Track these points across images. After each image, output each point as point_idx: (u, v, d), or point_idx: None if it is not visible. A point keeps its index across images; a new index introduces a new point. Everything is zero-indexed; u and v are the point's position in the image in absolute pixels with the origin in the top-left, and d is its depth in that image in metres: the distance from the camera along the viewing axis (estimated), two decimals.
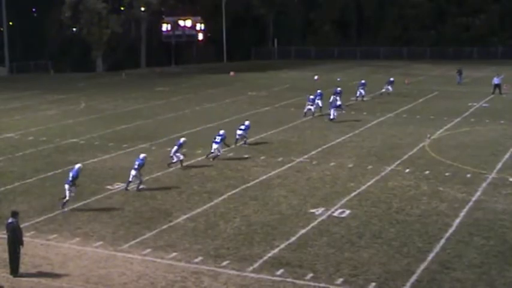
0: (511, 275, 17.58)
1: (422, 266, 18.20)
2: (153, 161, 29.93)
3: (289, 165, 29.55)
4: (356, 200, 24.35)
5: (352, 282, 17.21)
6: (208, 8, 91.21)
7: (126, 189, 25.60)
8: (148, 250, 19.50)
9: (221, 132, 31.17)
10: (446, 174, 27.80)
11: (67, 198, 23.27)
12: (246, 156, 31.55)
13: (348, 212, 22.93)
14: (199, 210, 23.32)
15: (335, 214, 22.77)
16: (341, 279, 17.34)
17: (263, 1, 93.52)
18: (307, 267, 18.14)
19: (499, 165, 29.27)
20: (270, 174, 28.17)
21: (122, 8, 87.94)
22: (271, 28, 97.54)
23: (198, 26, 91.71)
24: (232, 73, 74.07)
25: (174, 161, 29.28)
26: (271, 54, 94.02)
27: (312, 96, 43.17)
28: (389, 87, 50.74)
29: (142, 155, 26.28)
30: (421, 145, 33.48)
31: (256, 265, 18.31)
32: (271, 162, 30.11)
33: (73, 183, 23.46)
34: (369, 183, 26.46)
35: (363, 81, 51.12)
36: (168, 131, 38.01)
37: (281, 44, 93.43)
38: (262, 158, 31.10)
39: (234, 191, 25.56)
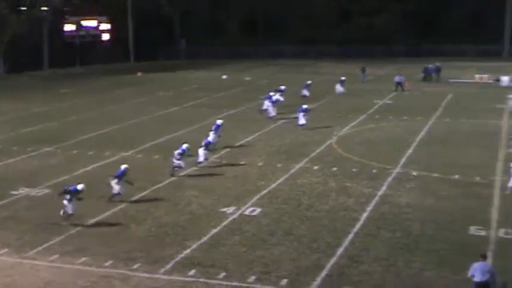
0: (417, 266, 18.18)
1: (332, 261, 18.56)
2: (57, 164, 29.23)
3: (201, 165, 29.48)
4: (266, 198, 24.57)
5: (264, 279, 17.36)
6: (114, 7, 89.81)
7: (111, 200, 24.13)
8: (56, 256, 19.04)
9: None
10: (353, 170, 28.44)
11: None
12: (157, 156, 31.28)
13: (258, 210, 23.10)
14: (109, 213, 22.96)
15: (246, 213, 22.90)
16: (253, 277, 17.46)
17: (170, 0, 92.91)
18: (219, 266, 18.17)
19: (403, 160, 30.17)
20: (180, 174, 28.03)
21: (23, 8, 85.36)
22: (178, 28, 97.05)
23: (103, 26, 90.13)
24: (139, 73, 73.28)
25: (175, 166, 28.11)
26: (179, 54, 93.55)
27: (272, 93, 43.45)
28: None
29: (123, 166, 24.76)
30: (328, 142, 34.12)
31: (168, 266, 18.20)
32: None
33: None
34: (278, 181, 26.75)
35: (308, 82, 51.32)
36: (73, 134, 37.21)
37: (189, 44, 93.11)
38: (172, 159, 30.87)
39: (144, 193, 25.30)
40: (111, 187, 24.04)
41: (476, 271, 15.40)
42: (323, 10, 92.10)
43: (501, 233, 20.77)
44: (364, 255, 19.00)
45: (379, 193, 25.14)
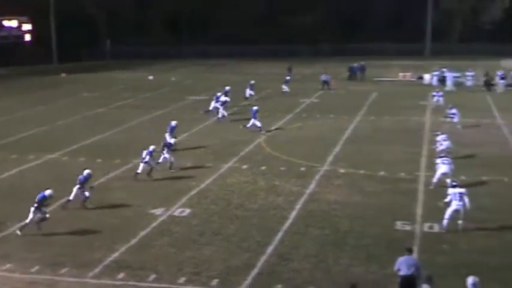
0: (345, 262, 18.45)
1: (262, 259, 18.65)
2: None
3: (128, 167, 29.14)
4: (196, 199, 24.48)
5: (194, 280, 17.29)
6: (37, 7, 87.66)
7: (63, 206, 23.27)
8: None
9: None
10: (282, 169, 28.64)
11: None
12: (82, 159, 30.73)
13: (188, 211, 23.00)
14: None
15: (175, 213, 22.76)
16: (184, 278, 17.37)
17: (94, 0, 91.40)
18: (149, 268, 17.99)
19: (330, 158, 30.58)
20: (108, 176, 27.63)
21: None
22: (103, 28, 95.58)
23: (25, 26, 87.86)
24: (63, 74, 71.88)
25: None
26: (104, 55, 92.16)
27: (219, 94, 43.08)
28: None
29: (86, 171, 23.91)
30: (257, 142, 34.26)
31: (96, 270, 17.90)
32: (109, 165, 29.53)
33: None
34: (207, 181, 26.68)
35: (252, 82, 51.05)
36: None
37: (114, 45, 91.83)
38: (98, 161, 30.41)
39: (71, 196, 24.78)
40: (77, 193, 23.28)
41: (402, 265, 15.72)
42: (248, 9, 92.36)
43: (426, 227, 21.29)
44: (294, 252, 19.16)
45: (308, 191, 25.40)
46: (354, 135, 36.12)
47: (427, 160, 29.89)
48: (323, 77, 55.80)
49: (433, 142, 32.02)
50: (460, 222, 20.55)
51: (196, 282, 17.16)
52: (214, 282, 17.19)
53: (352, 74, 63.43)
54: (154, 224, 21.65)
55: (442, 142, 29.87)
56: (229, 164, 29.59)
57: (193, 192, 25.23)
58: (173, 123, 33.27)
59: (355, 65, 64.56)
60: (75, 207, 23.25)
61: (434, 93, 45.36)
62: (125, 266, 18.14)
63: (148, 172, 27.15)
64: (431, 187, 25.32)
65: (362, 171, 28.11)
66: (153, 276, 17.49)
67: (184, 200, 24.28)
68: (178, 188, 25.78)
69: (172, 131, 32.62)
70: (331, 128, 38.18)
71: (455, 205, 20.57)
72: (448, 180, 24.13)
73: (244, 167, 29.07)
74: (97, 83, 63.85)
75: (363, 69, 63.97)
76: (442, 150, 28.74)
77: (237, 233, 20.79)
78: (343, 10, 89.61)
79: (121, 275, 17.55)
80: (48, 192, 21.18)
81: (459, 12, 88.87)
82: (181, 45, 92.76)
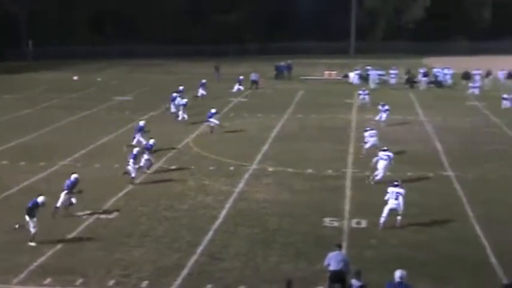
0: (274, 260, 18.58)
1: (193, 259, 18.59)
2: None
3: (53, 169, 28.56)
4: (123, 200, 24.19)
5: (124, 282, 17.09)
6: None
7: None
8: None
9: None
10: (211, 168, 28.60)
11: None
12: (4, 162, 29.93)
13: (116, 213, 22.69)
14: None
15: (103, 216, 22.42)
16: (112, 281, 17.14)
17: (14, 0, 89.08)
18: (76, 272, 17.67)
19: (259, 157, 30.72)
20: (32, 179, 26.99)
21: None
22: (25, 28, 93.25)
23: None
24: None
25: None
26: (27, 55, 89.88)
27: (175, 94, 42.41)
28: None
29: (74, 176, 22.99)
30: (185, 141, 34.10)
31: (21, 276, 17.46)
32: (34, 168, 28.84)
33: None
34: (136, 182, 26.38)
35: (203, 81, 50.58)
36: None
37: (37, 45, 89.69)
38: (22, 163, 29.68)
39: None
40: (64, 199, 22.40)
41: (332, 260, 15.95)
42: (174, 8, 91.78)
43: (353, 223, 21.65)
44: (224, 252, 19.17)
45: (237, 190, 25.45)
46: (281, 134, 36.40)
47: (354, 157, 30.43)
48: (252, 76, 55.98)
49: (360, 139, 32.59)
50: (398, 218, 20.93)
51: (125, 285, 16.97)
52: (144, 284, 17.03)
53: (279, 73, 63.86)
54: (82, 227, 21.28)
55: (369, 138, 30.42)
56: (159, 164, 29.34)
57: (121, 194, 24.91)
58: (141, 123, 33.02)
59: (282, 64, 65.02)
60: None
61: (361, 92, 46.13)
62: (52, 271, 17.76)
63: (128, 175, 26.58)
64: (372, 182, 25.73)
65: (290, 169, 28.35)
66: (80, 280, 17.18)
67: (111, 202, 23.95)
68: (105, 190, 25.39)
69: (141, 132, 32.29)
70: (259, 126, 38.34)
71: (391, 204, 20.95)
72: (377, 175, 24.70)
73: (173, 167, 28.89)
74: (20, 84, 62.15)
75: (289, 68, 64.48)
76: (370, 145, 29.33)
77: (166, 234, 20.65)
78: (268, 9, 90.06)
79: (47, 280, 17.18)
80: (40, 199, 20.25)
81: (382, 12, 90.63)
82: (107, 45, 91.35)
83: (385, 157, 25.94)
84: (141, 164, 27.37)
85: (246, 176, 27.50)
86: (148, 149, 28.25)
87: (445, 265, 18.24)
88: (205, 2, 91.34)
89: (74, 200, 22.56)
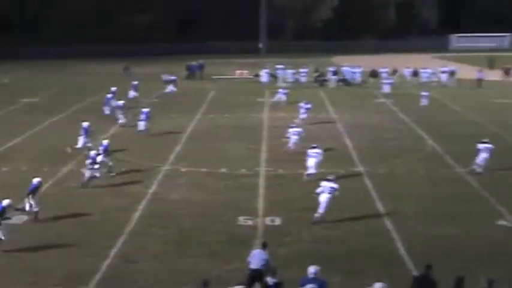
0: (190, 260, 18.51)
1: (106, 263, 18.28)
2: None
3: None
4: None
5: None
6: None
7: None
8: None
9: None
10: (124, 169, 28.18)
11: None
12: None
13: (25, 217, 22.01)
14: None
15: (12, 221, 21.70)
16: None
17: None
18: None
19: (172, 157, 30.53)
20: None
21: None
22: None
23: None
24: None
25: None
26: None
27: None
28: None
29: (36, 180, 22.13)
30: (99, 142, 33.42)
31: None
32: None
33: None
34: (46, 186, 25.66)
35: (135, 82, 49.57)
36: None
37: None
38: None
39: None
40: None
41: (253, 258, 16.09)
42: (84, 8, 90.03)
43: (267, 221, 21.81)
44: (138, 254, 18.95)
45: (150, 191, 25.20)
46: (194, 134, 36.29)
47: (267, 156, 30.66)
48: (164, 77, 55.46)
49: (273, 138, 32.88)
50: (319, 212, 21.35)
51: None
52: None
53: (191, 73, 63.63)
54: None
55: (291, 136, 30.70)
56: (68, 167, 28.70)
57: None
58: (85, 124, 32.01)
59: (194, 63, 64.81)
60: None
61: (280, 90, 46.28)
62: None
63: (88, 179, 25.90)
64: (305, 179, 26.01)
65: (204, 169, 28.29)
66: None
67: (20, 207, 23.20)
68: (11, 195, 24.54)
69: (86, 133, 31.43)
70: (172, 127, 38.05)
71: (324, 198, 21.33)
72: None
73: (83, 169, 28.28)
74: None
75: (201, 67, 64.36)
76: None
77: (78, 238, 20.22)
78: (178, 9, 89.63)
79: None
80: (6, 202, 19.55)
81: (292, 11, 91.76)
82: (14, 45, 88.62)
83: (315, 154, 26.35)
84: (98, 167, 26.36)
85: (160, 176, 27.26)
86: (105, 150, 27.58)
87: (357, 259, 18.62)
88: (115, 1, 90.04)
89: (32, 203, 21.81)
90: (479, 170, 27.39)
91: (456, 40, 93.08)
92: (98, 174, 25.84)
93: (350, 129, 36.80)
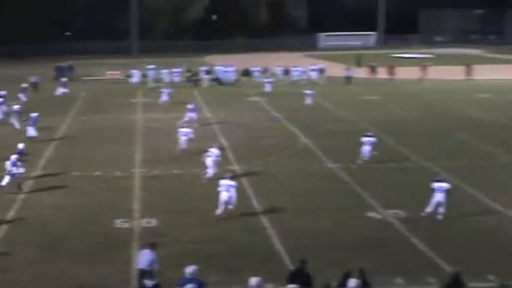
0: (65, 266, 18.00)
1: None
2: None
3: None
4: None
5: None
6: None
7: None
8: None
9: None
10: None
11: None
12: None
13: None
14: None
15: None
16: None
17: None
18: None
19: (43, 162, 29.59)
20: None
21: None
22: None
23: None
24: None
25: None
26: None
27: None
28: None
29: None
30: None
31: None
32: None
33: None
34: None
35: (24, 85, 47.21)
36: None
37: None
38: None
39: None
40: None
41: (140, 258, 16.09)
42: None
43: (144, 222, 21.57)
44: (10, 263, 18.19)
45: (20, 197, 24.26)
46: (66, 137, 35.29)
47: (142, 157, 30.31)
48: (33, 79, 53.57)
49: (147, 139, 32.50)
50: (229, 207, 21.64)
51: None
52: None
53: (60, 74, 61.77)
54: None
55: (182, 136, 30.55)
56: None
57: None
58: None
59: (63, 65, 63.05)
60: None
61: (163, 90, 45.72)
62: None
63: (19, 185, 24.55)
64: (205, 180, 25.90)
65: (77, 173, 27.58)
66: None
67: None
68: None
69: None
70: (41, 130, 36.72)
71: (224, 196, 21.52)
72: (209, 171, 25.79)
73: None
74: None
75: (70, 69, 62.72)
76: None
77: None
78: (46, 10, 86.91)
79: None
80: None
81: (163, 11, 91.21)
82: None
83: (211, 153, 26.43)
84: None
85: (30, 182, 26.29)
86: (20, 154, 26.26)
87: (235, 257, 18.77)
88: None
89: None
90: (360, 162, 28.68)
91: (324, 39, 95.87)
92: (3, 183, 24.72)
93: (225, 128, 37.05)
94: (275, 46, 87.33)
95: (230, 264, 18.18)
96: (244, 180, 26.49)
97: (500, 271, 17.37)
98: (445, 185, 21.79)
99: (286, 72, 59.37)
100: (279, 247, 19.55)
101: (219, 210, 21.67)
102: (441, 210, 21.68)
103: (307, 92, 45.83)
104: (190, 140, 30.61)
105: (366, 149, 28.75)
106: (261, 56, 77.29)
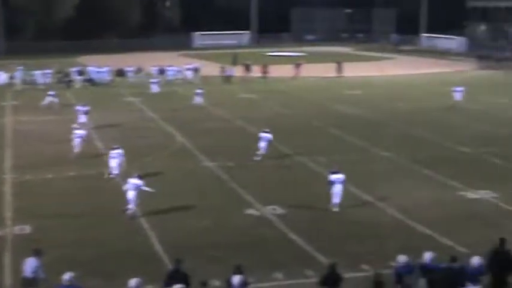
0: None
1: None
2: None
3: None
4: None
5: None
6: None
7: None
8: None
9: None
10: None
11: None
12: None
13: None
14: None
15: None
16: None
17: None
18: None
19: None
20: None
21: None
22: None
23: None
24: None
25: None
26: None
27: None
28: None
29: None
30: None
31: None
32: None
33: None
34: None
35: None
36: None
37: None
38: None
39: None
40: None
41: (25, 266, 15.56)
42: None
43: (16, 230, 20.79)
44: None
45: None
46: None
47: (13, 162, 29.16)
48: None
49: (18, 144, 31.28)
50: (131, 208, 21.70)
51: None
52: None
53: None
54: None
55: (76, 138, 29.77)
56: None
57: None
58: None
59: None
60: None
61: (49, 93, 43.98)
62: None
63: None
64: (107, 176, 25.90)
65: None
66: None
67: None
68: None
69: None
70: None
71: (130, 195, 21.70)
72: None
73: None
74: None
75: None
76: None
77: None
78: None
79: None
80: None
81: (31, 11, 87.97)
82: None
83: (115, 155, 26.28)
84: None
85: None
86: None
87: (114, 260, 18.44)
88: None
89: None
90: (258, 158, 29.14)
91: (199, 38, 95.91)
92: None
93: (100, 129, 36.22)
94: (149, 46, 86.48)
95: (109, 268, 17.84)
96: (122, 182, 26.08)
97: (374, 261, 18.03)
98: (341, 176, 22.67)
99: (161, 71, 58.93)
100: (158, 247, 19.39)
101: (129, 208, 21.79)
102: (337, 201, 22.43)
103: (197, 91, 45.60)
104: (83, 142, 30.04)
105: (262, 145, 29.21)
106: (136, 56, 76.31)
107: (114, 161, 26.31)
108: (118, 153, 26.54)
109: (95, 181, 26.37)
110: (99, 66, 59.32)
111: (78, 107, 37.70)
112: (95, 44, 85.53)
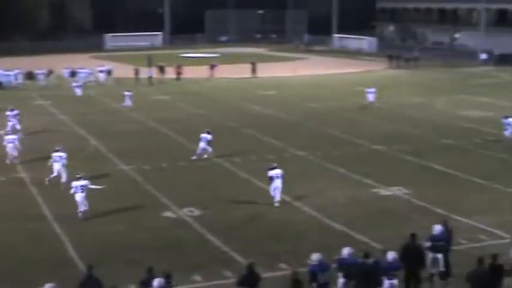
0: None
1: None
2: None
3: None
4: None
5: None
6: None
7: None
8: None
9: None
10: None
11: None
12: None
13: None
14: None
15: None
16: None
17: None
18: None
19: None
20: None
21: None
22: None
23: None
24: None
25: None
26: None
27: None
28: None
29: None
30: None
31: None
32: None
33: None
34: None
35: None
36: None
37: None
38: None
39: None
40: None
41: None
42: None
43: None
44: None
45: None
46: None
47: None
48: None
49: None
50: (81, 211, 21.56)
51: None
52: None
53: None
54: None
55: (8, 144, 29.11)
56: None
57: None
58: None
59: None
60: None
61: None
62: None
63: None
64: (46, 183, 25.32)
65: None
66: None
67: None
68: None
69: None
70: None
71: (79, 197, 21.52)
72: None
73: None
74: None
75: None
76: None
77: None
78: None
79: None
80: None
81: None
82: None
83: (58, 158, 25.70)
84: None
85: None
86: None
87: (27, 267, 17.95)
88: None
89: None
90: (195, 158, 29.41)
91: (111, 39, 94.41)
92: None
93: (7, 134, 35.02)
94: (60, 48, 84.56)
95: (22, 276, 17.36)
96: (32, 188, 25.41)
97: (291, 259, 18.19)
98: (279, 171, 23.03)
99: (73, 74, 57.75)
100: (73, 253, 18.96)
101: (80, 211, 21.69)
102: (277, 197, 22.70)
103: (126, 93, 44.78)
104: (16, 147, 29.27)
105: (202, 146, 29.39)
106: (46, 58, 74.46)
107: (57, 164, 25.68)
108: (60, 156, 25.90)
109: (9, 187, 25.63)
110: (7, 69, 57.55)
111: (7, 112, 36.34)
112: (4, 46, 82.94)
